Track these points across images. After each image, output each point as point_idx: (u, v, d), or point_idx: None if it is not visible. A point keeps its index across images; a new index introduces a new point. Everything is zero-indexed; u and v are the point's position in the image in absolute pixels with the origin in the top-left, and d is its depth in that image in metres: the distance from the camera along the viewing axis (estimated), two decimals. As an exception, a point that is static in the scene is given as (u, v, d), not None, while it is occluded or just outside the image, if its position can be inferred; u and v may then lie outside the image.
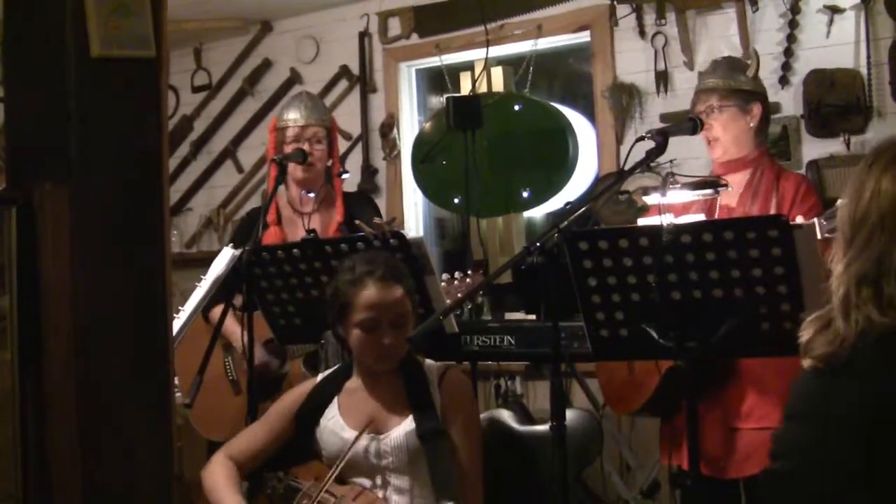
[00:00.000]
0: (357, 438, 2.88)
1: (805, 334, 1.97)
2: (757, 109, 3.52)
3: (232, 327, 3.73)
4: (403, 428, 2.92)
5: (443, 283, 3.52)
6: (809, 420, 1.97)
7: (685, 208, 3.46)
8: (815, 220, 2.98)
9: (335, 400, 3.04)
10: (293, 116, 4.08)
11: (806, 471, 1.94)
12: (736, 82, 3.52)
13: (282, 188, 4.17)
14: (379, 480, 2.94)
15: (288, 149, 4.03)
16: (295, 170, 4.01)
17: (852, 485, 1.85)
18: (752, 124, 3.51)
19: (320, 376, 3.14)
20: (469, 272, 3.63)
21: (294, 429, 3.05)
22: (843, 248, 1.94)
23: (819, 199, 3.49)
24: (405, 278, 3.01)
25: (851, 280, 1.89)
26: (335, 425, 2.98)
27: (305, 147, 4.00)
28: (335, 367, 3.16)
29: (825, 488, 1.90)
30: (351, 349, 3.01)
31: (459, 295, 3.52)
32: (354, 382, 3.05)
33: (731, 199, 3.47)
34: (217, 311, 3.66)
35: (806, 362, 1.97)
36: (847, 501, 1.87)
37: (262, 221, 3.58)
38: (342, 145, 5.11)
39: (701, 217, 3.38)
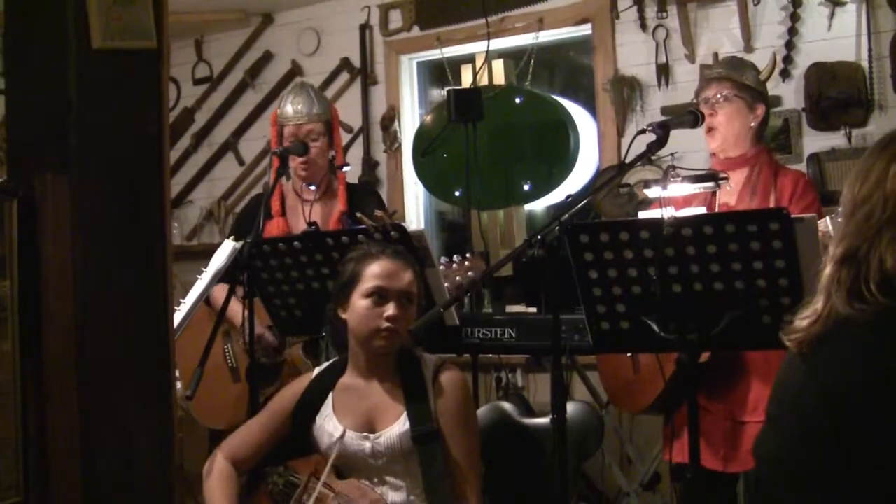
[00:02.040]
0: (339, 439, 2.88)
1: (797, 316, 1.98)
2: (761, 111, 3.55)
3: (234, 308, 3.72)
4: (397, 428, 2.91)
5: (442, 267, 3.53)
6: (783, 421, 1.96)
7: (686, 202, 3.47)
8: (828, 218, 2.99)
9: (329, 397, 3.03)
10: (289, 113, 4.07)
11: (781, 480, 1.94)
12: (748, 79, 3.55)
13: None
14: (376, 479, 2.94)
15: (288, 143, 4.03)
16: (296, 166, 4.02)
17: (826, 491, 1.84)
18: (753, 124, 3.54)
19: (316, 371, 3.13)
20: (468, 255, 3.62)
21: (291, 427, 3.04)
22: (841, 228, 1.94)
23: (818, 196, 3.50)
24: (415, 265, 3.03)
25: (838, 257, 1.89)
26: (329, 425, 2.97)
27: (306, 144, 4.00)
28: (330, 361, 3.15)
29: (800, 495, 1.89)
30: (350, 332, 2.99)
31: (458, 278, 3.53)
32: (349, 378, 3.04)
33: (730, 196, 3.48)
34: (217, 293, 3.65)
35: (786, 342, 1.97)
36: None
37: (264, 212, 3.58)
38: (343, 138, 5.11)
39: (702, 210, 3.39)
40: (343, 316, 2.99)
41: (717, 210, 3.46)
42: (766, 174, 3.49)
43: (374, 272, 2.94)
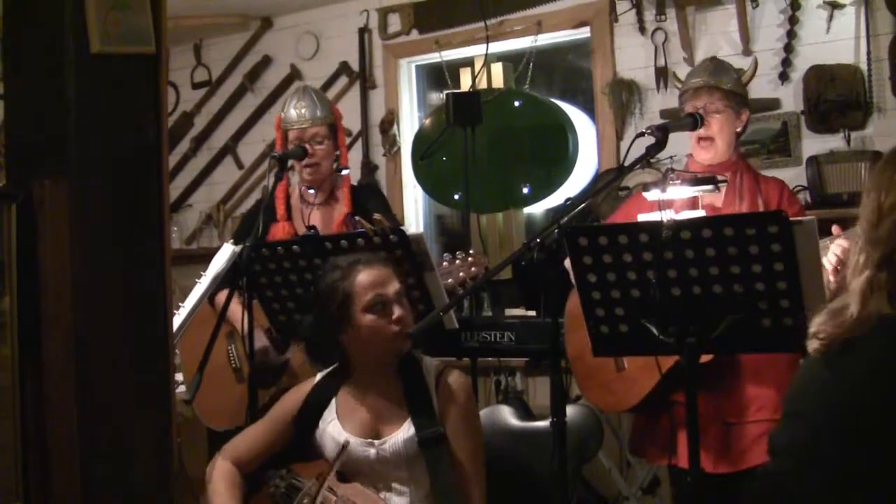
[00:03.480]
0: (341, 451, 2.88)
1: (816, 321, 1.99)
2: (745, 116, 3.53)
3: (236, 311, 3.71)
4: (403, 434, 2.90)
5: (444, 263, 3.53)
6: (807, 415, 1.97)
7: (669, 206, 3.43)
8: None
9: (333, 402, 3.02)
10: (293, 118, 4.07)
11: (802, 470, 1.95)
12: (734, 86, 3.52)
13: (295, 180, 4.18)
14: (380, 484, 2.93)
15: (291, 146, 4.03)
16: (302, 170, 4.03)
17: (850, 485, 1.85)
18: (738, 129, 3.52)
19: (318, 377, 3.12)
20: (470, 251, 3.62)
21: (293, 433, 3.04)
22: (866, 237, 1.96)
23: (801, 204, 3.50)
24: (385, 260, 3.03)
25: (876, 262, 1.91)
26: (333, 430, 2.97)
27: (307, 148, 4.00)
28: (332, 367, 3.13)
29: (821, 489, 1.90)
30: (357, 348, 2.97)
31: (462, 274, 3.52)
32: (351, 384, 3.03)
33: (715, 199, 3.46)
34: (221, 296, 3.64)
35: (812, 345, 1.98)
36: (844, 502, 1.87)
37: (263, 217, 3.57)
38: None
39: (699, 213, 3.38)
40: (346, 338, 2.96)
41: (700, 211, 3.45)
42: (749, 179, 3.48)
43: (364, 284, 2.92)
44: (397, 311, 2.91)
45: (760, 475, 2.12)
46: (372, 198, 4.19)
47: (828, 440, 1.89)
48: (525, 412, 3.69)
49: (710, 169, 3.49)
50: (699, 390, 3.26)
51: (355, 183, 5.25)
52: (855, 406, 1.87)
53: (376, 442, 2.91)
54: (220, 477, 2.97)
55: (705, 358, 2.99)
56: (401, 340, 2.92)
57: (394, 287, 2.94)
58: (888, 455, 1.81)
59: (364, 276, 2.93)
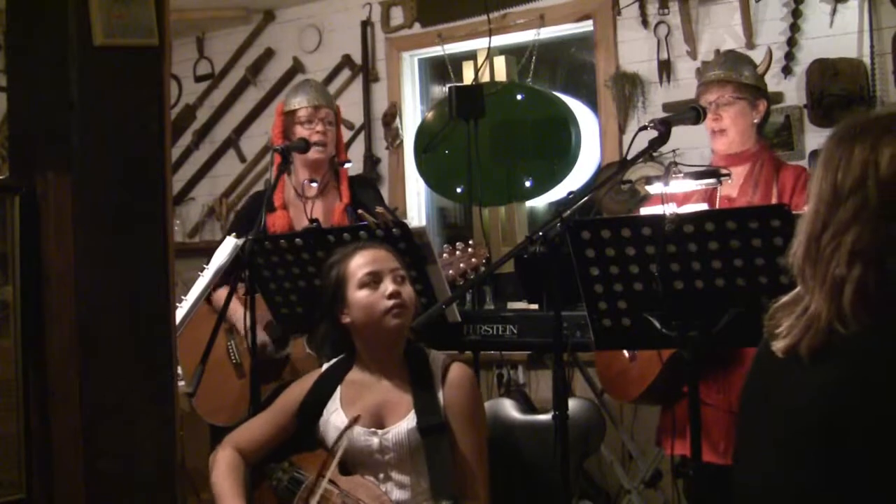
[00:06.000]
0: (348, 426, 2.87)
1: (783, 321, 1.91)
2: (763, 106, 3.56)
3: (235, 308, 3.72)
4: (405, 424, 2.91)
5: (444, 255, 3.53)
6: (775, 418, 1.89)
7: (686, 198, 3.47)
8: None
9: (337, 392, 3.03)
10: (303, 98, 4.09)
11: (769, 473, 1.89)
12: (747, 77, 3.54)
13: (297, 172, 4.20)
14: (381, 475, 2.94)
15: (298, 130, 4.04)
16: (304, 161, 4.03)
17: (819, 490, 1.79)
18: (756, 120, 3.54)
19: (324, 367, 3.13)
20: (470, 242, 3.63)
21: (297, 424, 3.05)
22: (824, 218, 1.82)
23: None
24: (388, 247, 3.07)
25: (843, 256, 1.77)
26: (336, 419, 2.97)
27: (319, 128, 4.02)
28: (338, 358, 3.14)
29: (788, 493, 1.84)
30: (357, 330, 2.98)
31: (462, 265, 3.53)
32: (357, 374, 3.04)
33: (731, 189, 3.48)
34: (219, 294, 3.65)
35: (778, 344, 1.87)
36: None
37: (265, 208, 3.58)
38: (345, 135, 5.11)
39: (703, 207, 3.39)
40: (346, 321, 2.99)
41: (718, 203, 3.46)
42: (768, 169, 3.50)
43: (358, 263, 2.97)
44: (390, 286, 2.93)
45: (732, 479, 2.04)
46: (367, 191, 4.20)
47: (795, 446, 1.83)
48: (527, 406, 3.70)
49: (729, 159, 3.52)
50: (709, 380, 3.28)
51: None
52: (829, 413, 1.76)
53: (379, 431, 2.92)
54: (223, 464, 2.98)
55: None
56: (395, 315, 2.93)
57: (390, 265, 2.98)
58: (857, 465, 1.73)
59: (360, 257, 2.98)
